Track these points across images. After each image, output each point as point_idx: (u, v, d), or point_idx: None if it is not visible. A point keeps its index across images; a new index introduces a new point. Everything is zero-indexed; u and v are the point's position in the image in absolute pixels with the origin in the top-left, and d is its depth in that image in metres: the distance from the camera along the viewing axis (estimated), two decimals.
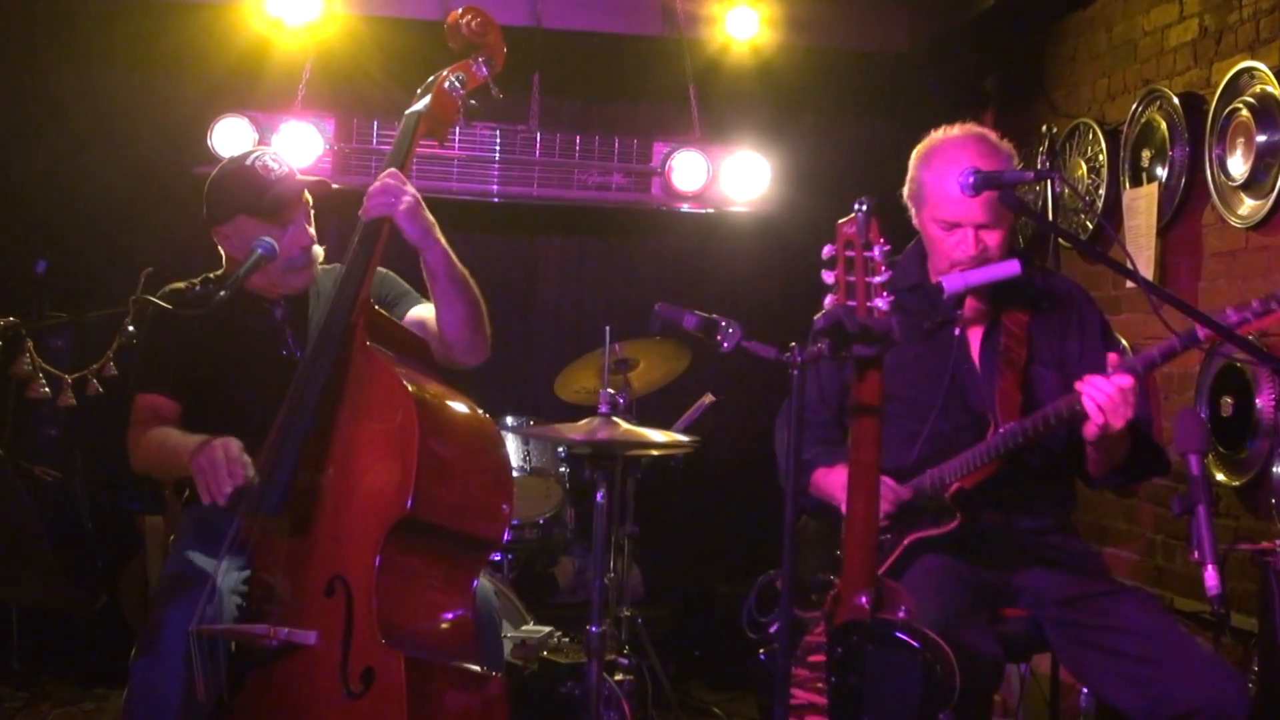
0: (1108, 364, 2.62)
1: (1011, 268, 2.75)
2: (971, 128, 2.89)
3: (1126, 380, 2.54)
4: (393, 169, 2.82)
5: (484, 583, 2.87)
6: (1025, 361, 2.86)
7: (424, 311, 2.98)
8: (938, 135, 2.91)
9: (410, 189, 2.79)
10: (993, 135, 2.88)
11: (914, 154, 2.93)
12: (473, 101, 2.94)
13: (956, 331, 2.89)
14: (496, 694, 2.68)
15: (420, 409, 2.58)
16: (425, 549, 2.61)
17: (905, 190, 2.94)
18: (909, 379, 2.83)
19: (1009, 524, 2.85)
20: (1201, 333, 2.53)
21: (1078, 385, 2.59)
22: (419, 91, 2.95)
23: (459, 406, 2.75)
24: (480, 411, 2.80)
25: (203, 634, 2.58)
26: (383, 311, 2.91)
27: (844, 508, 2.74)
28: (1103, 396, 2.54)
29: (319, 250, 3.04)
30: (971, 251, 2.79)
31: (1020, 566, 2.82)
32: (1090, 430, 2.59)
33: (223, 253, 3.05)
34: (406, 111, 2.92)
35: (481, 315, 2.91)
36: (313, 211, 3.03)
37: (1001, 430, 2.74)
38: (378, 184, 2.79)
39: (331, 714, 2.49)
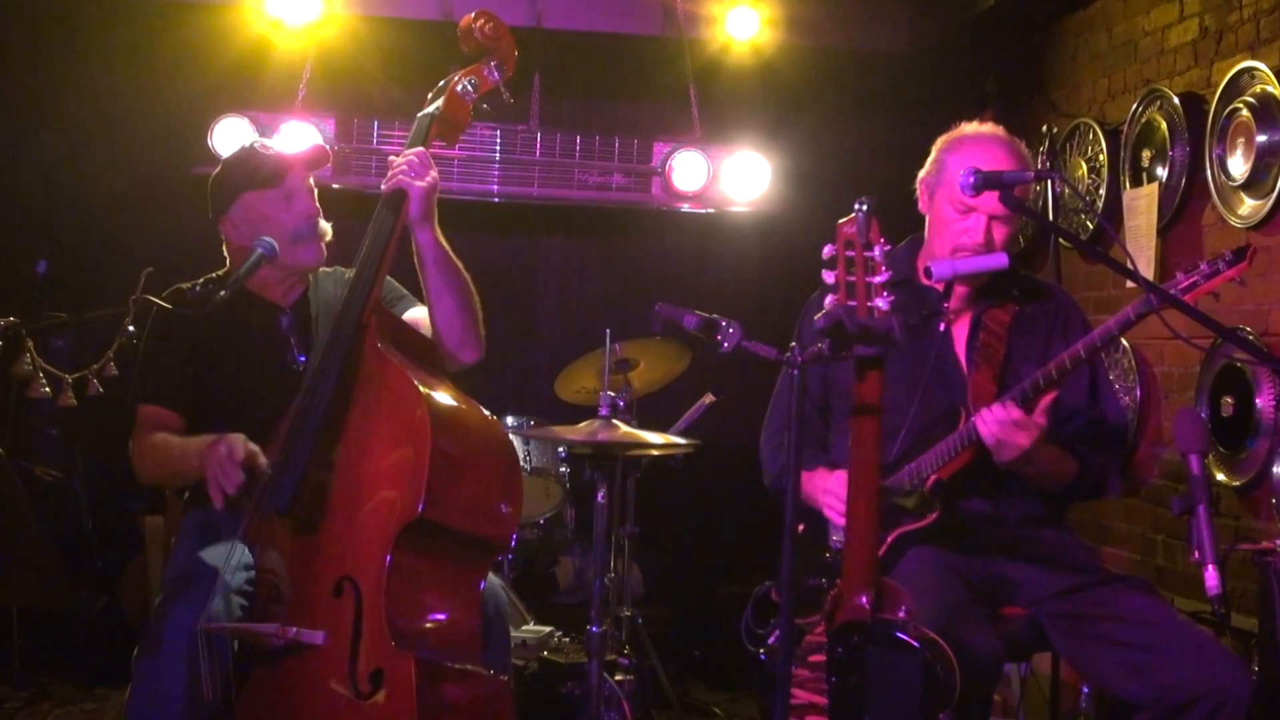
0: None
1: (999, 260, 2.77)
2: (1003, 131, 2.95)
3: (1016, 412, 2.62)
4: (420, 148, 2.85)
5: (492, 580, 2.86)
6: (1003, 357, 2.88)
7: (419, 314, 2.98)
8: (969, 127, 2.96)
9: (433, 173, 2.83)
10: (1021, 144, 2.93)
11: (940, 140, 2.97)
12: (485, 105, 2.97)
13: (941, 327, 2.90)
14: (503, 695, 2.67)
15: (432, 412, 2.56)
16: (435, 551, 2.59)
17: (922, 173, 2.98)
18: (892, 374, 2.84)
19: (997, 513, 2.86)
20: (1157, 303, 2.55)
21: (974, 418, 2.68)
22: (430, 95, 2.95)
23: (470, 409, 2.73)
24: (490, 415, 2.79)
25: (210, 632, 2.57)
26: (393, 312, 2.91)
27: (825, 511, 2.77)
28: (994, 425, 2.62)
29: (327, 226, 3.03)
30: (979, 239, 2.82)
31: (1014, 558, 2.82)
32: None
33: (226, 254, 3.05)
34: (419, 114, 2.93)
35: (474, 310, 2.90)
36: (315, 190, 3.04)
37: (972, 419, 2.75)
38: (403, 157, 2.82)
39: (339, 715, 2.48)
